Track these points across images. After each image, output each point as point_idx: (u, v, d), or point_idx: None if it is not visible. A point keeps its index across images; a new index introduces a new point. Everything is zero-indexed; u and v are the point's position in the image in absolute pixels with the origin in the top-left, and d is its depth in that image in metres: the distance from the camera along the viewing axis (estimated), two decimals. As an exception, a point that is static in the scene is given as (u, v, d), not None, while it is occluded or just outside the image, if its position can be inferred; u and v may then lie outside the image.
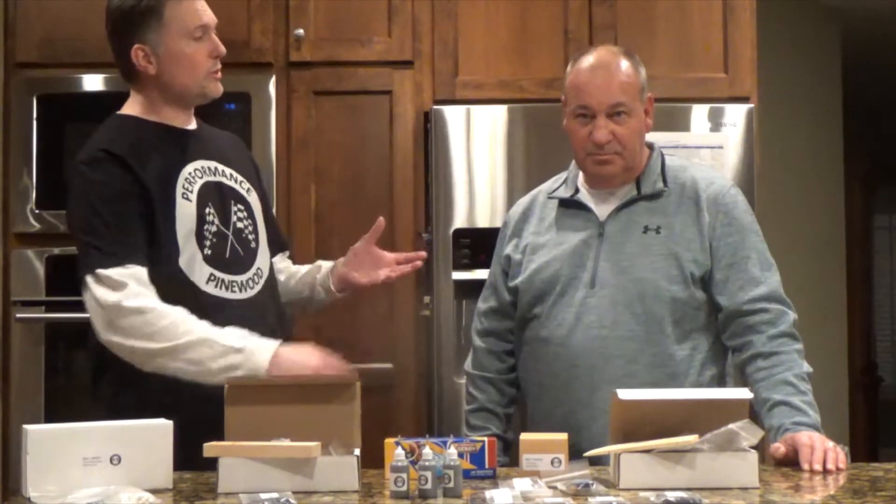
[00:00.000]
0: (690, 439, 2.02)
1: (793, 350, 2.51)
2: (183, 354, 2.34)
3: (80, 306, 2.49)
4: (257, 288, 2.56)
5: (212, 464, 2.05)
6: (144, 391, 2.39)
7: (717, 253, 2.56)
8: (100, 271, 2.37)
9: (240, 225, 2.56)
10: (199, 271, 2.46)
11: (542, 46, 3.97)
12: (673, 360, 2.55)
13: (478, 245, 3.85)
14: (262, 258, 2.61)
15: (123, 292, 2.36)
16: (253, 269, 2.57)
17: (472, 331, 2.82)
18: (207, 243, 2.48)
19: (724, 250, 2.56)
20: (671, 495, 1.88)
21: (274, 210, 3.90)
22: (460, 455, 2.04)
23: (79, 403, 2.45)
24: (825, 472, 2.21)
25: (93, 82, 3.87)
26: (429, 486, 1.94)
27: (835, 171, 6.44)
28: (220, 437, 2.07)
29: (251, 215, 2.60)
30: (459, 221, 3.86)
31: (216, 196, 2.53)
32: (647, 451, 2.04)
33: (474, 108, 3.90)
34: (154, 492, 1.96)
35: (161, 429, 2.09)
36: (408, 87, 3.98)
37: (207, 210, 2.49)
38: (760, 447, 2.17)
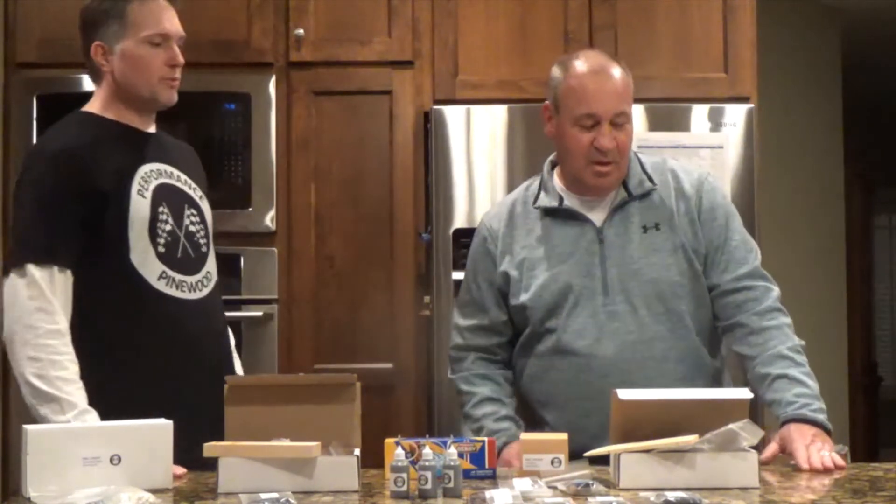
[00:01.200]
0: (690, 439, 2.02)
1: (783, 324, 2.53)
2: (36, 396, 2.34)
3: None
4: (206, 291, 2.58)
5: (212, 464, 2.06)
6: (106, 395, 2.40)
7: (706, 239, 2.59)
8: (29, 266, 2.39)
9: (192, 228, 2.59)
10: (151, 267, 2.48)
11: (542, 46, 3.97)
12: (699, 351, 2.57)
13: (478, 245, 3.84)
14: (212, 263, 2.64)
15: (38, 302, 2.37)
16: (203, 272, 2.59)
17: (452, 348, 2.74)
18: (161, 241, 2.51)
19: (709, 235, 2.59)
20: (671, 495, 1.88)
21: (273, 211, 3.93)
22: (460, 455, 2.04)
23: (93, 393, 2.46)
24: (824, 470, 2.22)
25: (93, 85, 3.87)
26: (429, 486, 1.94)
27: (835, 171, 6.44)
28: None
29: (203, 220, 2.63)
30: (459, 221, 3.86)
31: (171, 198, 2.56)
32: (647, 451, 2.04)
33: (474, 108, 3.90)
34: (154, 492, 1.96)
35: (161, 429, 2.09)
36: (408, 87, 3.98)
37: (161, 209, 2.52)
38: (760, 447, 2.17)
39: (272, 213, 3.94)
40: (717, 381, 2.63)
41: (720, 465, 2.03)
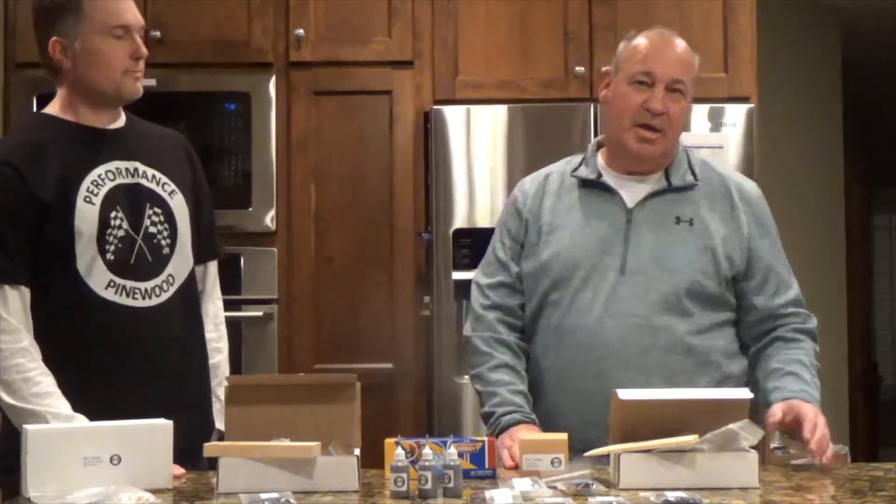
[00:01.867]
0: (690, 439, 2.02)
1: (811, 347, 2.54)
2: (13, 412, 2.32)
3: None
4: (165, 296, 2.48)
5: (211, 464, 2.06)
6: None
7: (754, 254, 2.54)
8: None
9: (152, 229, 2.48)
10: (97, 277, 2.40)
11: (542, 46, 3.98)
12: (707, 350, 2.50)
13: (478, 245, 3.83)
14: (178, 265, 2.51)
15: None
16: (163, 276, 2.48)
17: (475, 305, 2.65)
18: (111, 248, 2.42)
19: (760, 252, 2.54)
20: (671, 495, 1.88)
21: (273, 211, 3.93)
22: (460, 455, 2.04)
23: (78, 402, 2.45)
24: (817, 457, 2.25)
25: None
26: (429, 486, 1.94)
27: (835, 171, 6.44)
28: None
29: (169, 219, 2.51)
30: (459, 221, 3.86)
31: (127, 199, 2.46)
32: (647, 451, 2.04)
33: (474, 108, 3.90)
34: (154, 492, 1.96)
35: (161, 429, 2.09)
36: (408, 87, 3.98)
37: (114, 213, 2.43)
38: (760, 447, 2.17)
39: (272, 213, 3.95)
40: (723, 385, 2.53)
41: (720, 465, 2.03)
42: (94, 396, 2.35)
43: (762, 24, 4.08)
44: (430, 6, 3.99)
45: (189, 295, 2.56)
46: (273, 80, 3.96)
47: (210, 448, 2.05)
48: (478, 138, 3.89)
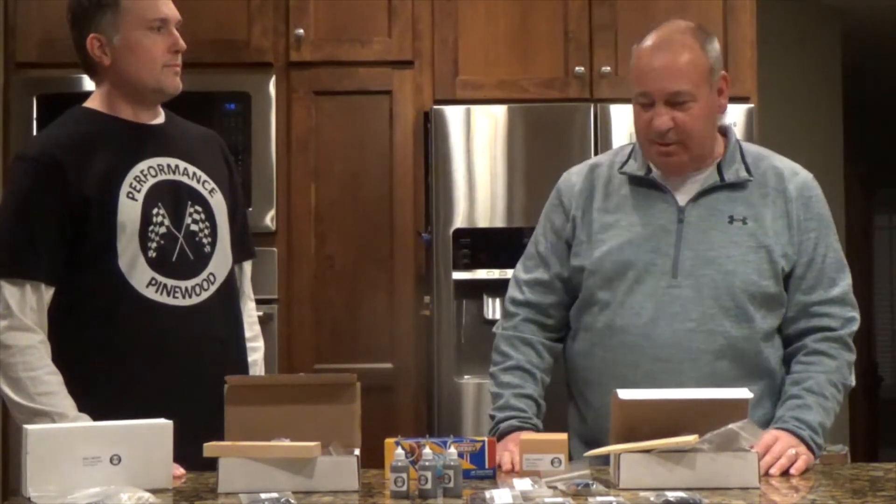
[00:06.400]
0: (690, 439, 2.02)
1: (842, 358, 2.43)
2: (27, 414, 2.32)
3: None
4: (206, 294, 2.48)
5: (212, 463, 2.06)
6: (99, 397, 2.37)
7: (798, 248, 2.46)
8: (1, 282, 2.35)
9: (194, 227, 2.48)
10: (139, 274, 2.40)
11: (542, 46, 3.98)
12: (761, 357, 2.43)
13: (478, 245, 3.85)
14: (218, 263, 2.51)
15: (8, 320, 2.34)
16: (203, 275, 2.48)
17: (508, 300, 2.60)
18: (153, 245, 2.42)
19: (805, 245, 2.47)
20: (671, 495, 1.88)
21: (273, 211, 3.93)
22: (460, 455, 2.04)
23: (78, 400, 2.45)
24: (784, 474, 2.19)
25: (93, 82, 3.88)
26: (429, 486, 1.94)
27: (835, 171, 6.43)
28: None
29: (209, 217, 2.51)
30: (459, 221, 3.86)
31: (170, 196, 2.46)
32: (647, 451, 2.04)
33: (474, 108, 3.90)
34: (154, 492, 1.96)
35: (161, 429, 2.09)
36: (408, 87, 3.98)
37: (156, 210, 2.43)
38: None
39: (272, 213, 3.95)
40: (776, 394, 2.45)
41: (720, 465, 2.03)
42: (132, 395, 2.35)
43: (762, 24, 4.08)
44: (430, 6, 3.99)
45: (229, 294, 2.55)
46: (273, 80, 3.96)
47: (210, 448, 2.04)
48: (478, 138, 3.89)
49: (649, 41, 2.46)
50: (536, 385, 2.53)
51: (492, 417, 2.53)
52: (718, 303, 2.41)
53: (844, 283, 2.48)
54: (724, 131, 2.54)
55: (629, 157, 2.54)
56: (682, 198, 2.47)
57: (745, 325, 2.42)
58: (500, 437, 2.45)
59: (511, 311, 2.59)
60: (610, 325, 2.45)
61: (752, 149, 2.57)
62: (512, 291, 2.60)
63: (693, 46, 2.44)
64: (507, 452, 2.31)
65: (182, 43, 2.48)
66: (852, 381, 2.46)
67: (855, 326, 2.47)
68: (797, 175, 2.53)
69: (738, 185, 2.47)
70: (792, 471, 2.20)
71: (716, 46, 2.48)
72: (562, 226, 2.55)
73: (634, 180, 2.50)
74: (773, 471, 2.19)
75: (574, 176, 2.59)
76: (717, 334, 2.40)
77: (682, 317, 2.41)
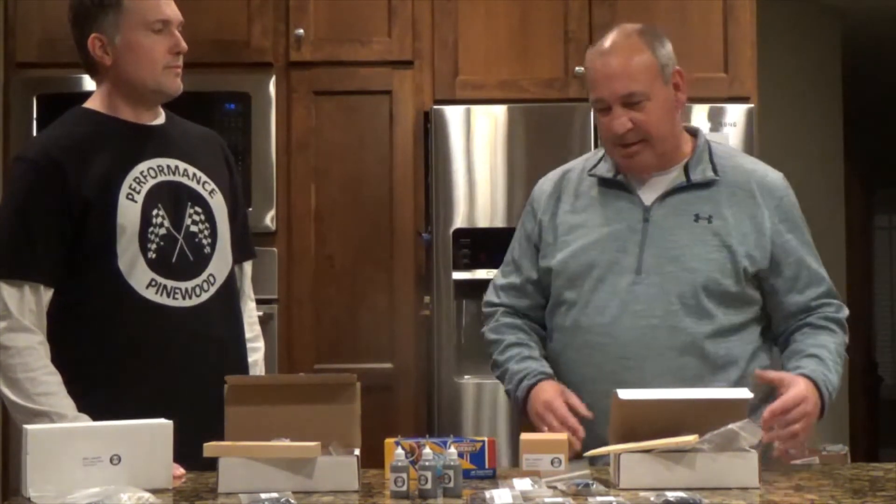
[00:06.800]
0: (690, 439, 2.02)
1: (841, 336, 2.51)
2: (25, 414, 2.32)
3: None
4: (206, 295, 2.48)
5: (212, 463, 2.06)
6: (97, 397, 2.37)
7: (780, 249, 2.49)
8: (0, 283, 2.35)
9: (193, 228, 2.48)
10: (138, 275, 2.40)
11: (542, 46, 3.98)
12: (726, 353, 2.46)
13: (478, 245, 3.85)
14: (218, 264, 2.51)
15: (7, 322, 2.34)
16: (203, 276, 2.48)
17: (484, 304, 2.68)
18: (152, 246, 2.42)
19: (787, 247, 2.50)
20: (671, 495, 1.88)
21: (273, 211, 3.93)
22: (460, 455, 2.04)
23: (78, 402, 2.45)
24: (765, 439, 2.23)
25: (93, 82, 3.88)
26: (429, 486, 1.94)
27: (835, 171, 6.44)
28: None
29: (209, 218, 2.51)
30: (459, 221, 3.86)
31: (169, 197, 2.46)
32: (647, 451, 2.04)
33: (474, 108, 3.90)
34: (154, 492, 1.96)
35: (161, 429, 2.09)
36: (408, 87, 3.98)
37: (156, 212, 2.43)
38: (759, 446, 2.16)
39: (272, 213, 3.95)
40: (741, 385, 2.47)
41: (720, 465, 2.03)
42: (132, 396, 2.36)
43: (762, 24, 4.08)
44: (430, 6, 3.99)
45: (229, 295, 2.56)
46: (273, 80, 3.96)
47: (210, 448, 2.04)
48: (478, 138, 3.89)
49: (598, 48, 2.51)
50: (535, 350, 2.58)
51: (508, 395, 2.56)
52: (681, 300, 2.45)
53: (828, 278, 2.58)
54: (694, 132, 2.58)
55: (600, 160, 2.59)
56: (648, 198, 2.52)
57: (707, 321, 2.45)
58: (523, 405, 2.49)
59: (489, 311, 2.68)
60: (576, 325, 2.51)
61: (722, 149, 2.60)
62: (488, 296, 2.69)
63: (640, 47, 2.48)
64: (545, 416, 2.39)
65: (184, 44, 2.49)
66: (845, 356, 2.52)
67: (846, 314, 2.55)
68: (767, 176, 2.55)
69: (704, 185, 2.51)
70: (776, 454, 2.28)
71: (666, 45, 2.52)
72: (531, 230, 2.62)
73: (603, 182, 2.56)
74: (781, 445, 2.27)
75: (546, 182, 2.66)
76: (680, 331, 2.44)
77: (646, 314, 2.45)
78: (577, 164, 2.65)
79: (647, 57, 2.47)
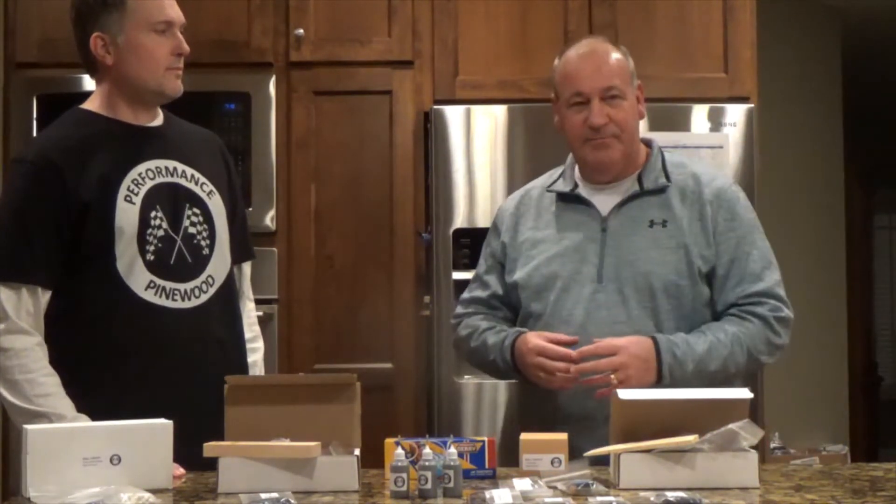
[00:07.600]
0: (690, 439, 2.02)
1: (760, 331, 2.52)
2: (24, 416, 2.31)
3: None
4: (205, 296, 2.49)
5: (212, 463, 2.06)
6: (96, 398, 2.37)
7: (719, 248, 2.56)
8: None
9: (192, 230, 2.48)
10: (137, 277, 2.40)
11: (542, 46, 3.97)
12: None
13: (478, 245, 3.80)
14: (217, 266, 2.52)
15: (5, 324, 2.34)
16: (202, 277, 2.49)
17: (453, 317, 2.79)
18: (151, 248, 2.42)
19: (725, 246, 2.56)
20: (671, 495, 1.88)
21: (273, 211, 3.93)
22: (460, 455, 2.04)
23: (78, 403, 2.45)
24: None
25: (93, 82, 3.88)
26: (429, 486, 1.94)
27: (835, 171, 6.44)
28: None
29: (208, 220, 2.52)
30: (459, 221, 3.86)
31: (168, 198, 2.47)
32: (647, 451, 2.04)
33: (474, 108, 3.90)
34: (154, 492, 1.96)
35: (161, 429, 2.09)
36: (408, 87, 3.98)
37: (154, 213, 2.43)
38: (760, 446, 2.17)
39: (272, 213, 3.95)
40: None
41: (720, 465, 2.03)
42: (132, 397, 2.36)
43: (762, 24, 4.08)
44: (430, 6, 3.99)
45: (228, 296, 2.56)
46: (273, 80, 3.96)
47: (210, 448, 2.05)
48: (478, 138, 3.89)
49: (573, 52, 2.63)
50: (507, 326, 2.66)
51: (496, 366, 2.62)
52: (640, 304, 2.53)
53: (771, 279, 2.58)
54: (648, 143, 2.69)
55: (559, 177, 2.70)
56: (605, 208, 2.61)
57: (667, 324, 2.52)
58: (513, 361, 2.55)
59: (455, 322, 2.78)
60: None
61: (674, 158, 2.69)
62: (456, 308, 2.79)
63: (615, 50, 2.62)
64: (540, 357, 2.46)
65: (186, 46, 2.49)
66: (766, 359, 2.55)
67: (782, 314, 2.55)
68: (714, 181, 2.64)
69: (657, 191, 2.61)
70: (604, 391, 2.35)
71: (630, 60, 2.65)
72: (496, 248, 2.73)
73: (561, 197, 2.67)
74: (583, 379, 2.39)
75: (509, 201, 2.79)
76: (644, 334, 2.49)
77: (609, 319, 2.53)
78: (537, 183, 2.76)
79: (623, 59, 2.62)
